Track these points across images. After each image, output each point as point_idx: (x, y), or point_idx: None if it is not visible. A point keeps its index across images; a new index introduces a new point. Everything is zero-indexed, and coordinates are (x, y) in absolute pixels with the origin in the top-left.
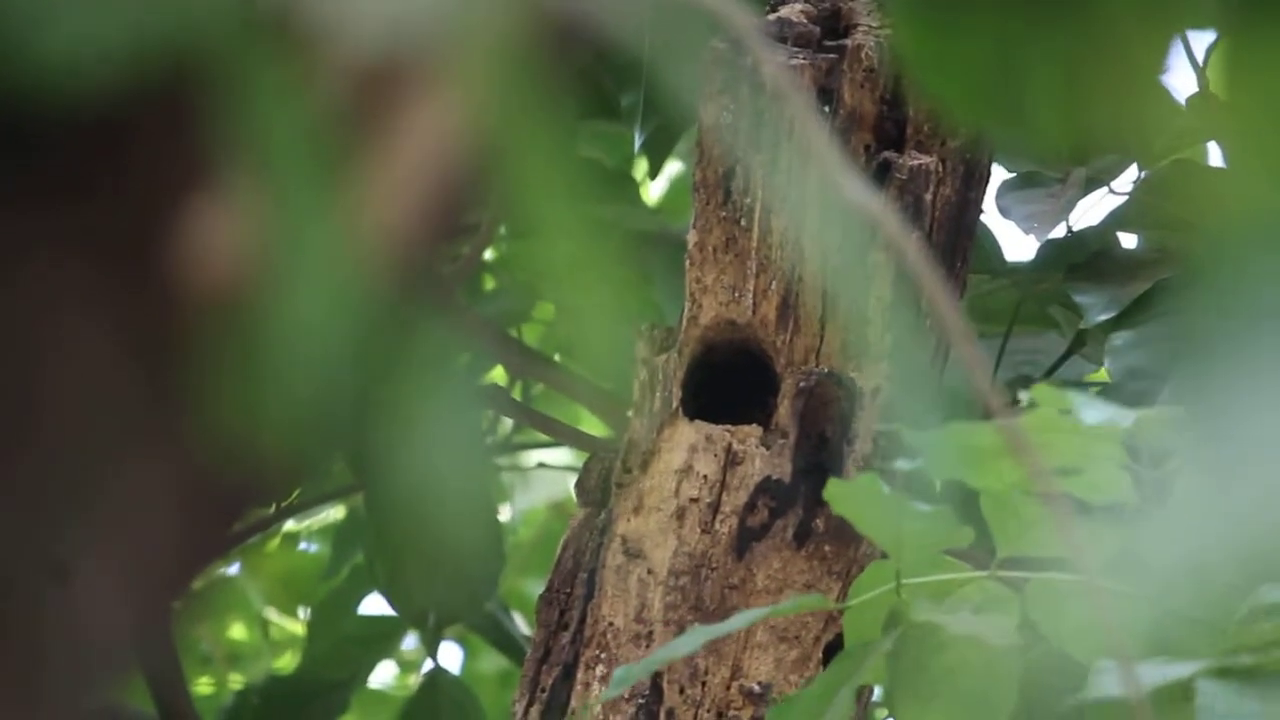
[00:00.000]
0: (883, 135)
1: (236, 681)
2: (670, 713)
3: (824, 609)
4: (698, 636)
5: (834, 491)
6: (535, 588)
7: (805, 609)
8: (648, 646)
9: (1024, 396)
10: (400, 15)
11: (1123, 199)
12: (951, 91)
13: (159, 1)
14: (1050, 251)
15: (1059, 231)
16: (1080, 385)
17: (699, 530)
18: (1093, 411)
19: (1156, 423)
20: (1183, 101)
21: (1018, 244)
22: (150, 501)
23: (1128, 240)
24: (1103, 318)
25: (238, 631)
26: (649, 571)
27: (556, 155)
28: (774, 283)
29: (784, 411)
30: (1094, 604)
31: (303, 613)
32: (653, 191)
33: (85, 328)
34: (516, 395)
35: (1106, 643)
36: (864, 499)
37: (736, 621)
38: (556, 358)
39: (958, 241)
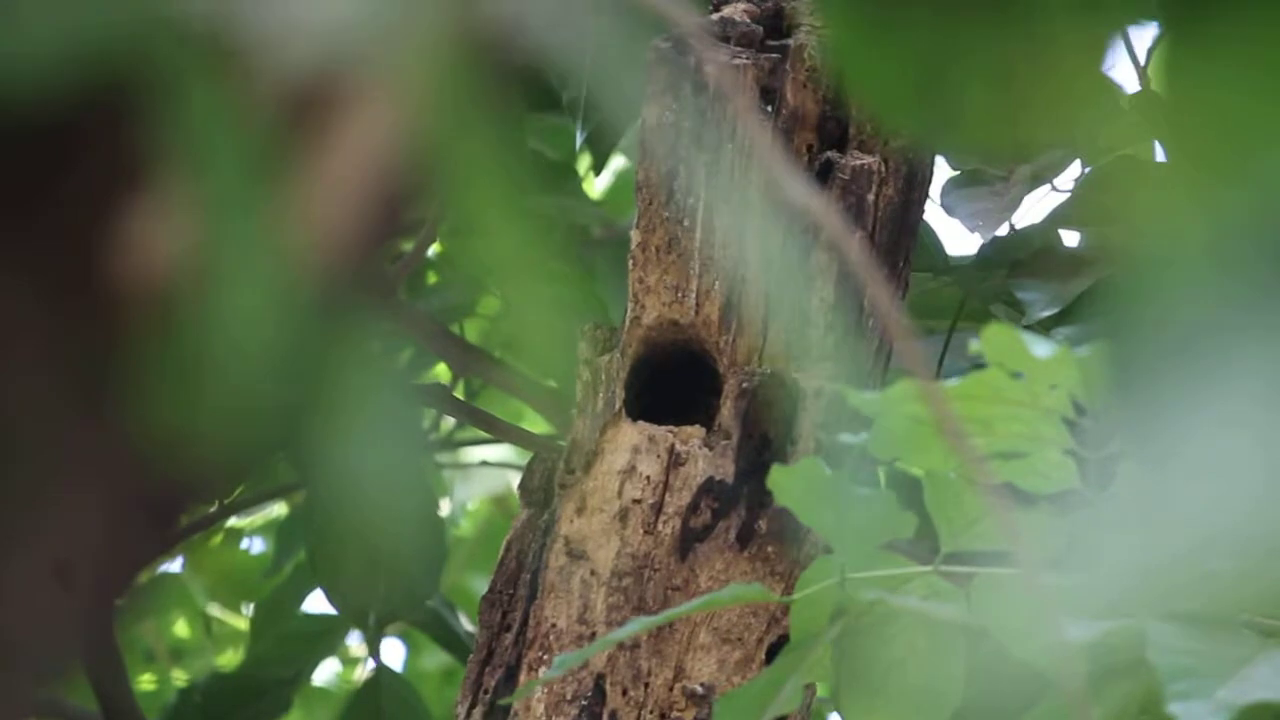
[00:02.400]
0: (825, 135)
1: (180, 679)
2: (613, 714)
3: (766, 601)
4: (638, 625)
5: (777, 478)
6: (478, 584)
7: (746, 600)
8: None
9: (974, 343)
10: (338, 14)
11: (1065, 196)
12: (885, 95)
13: (95, 10)
14: (993, 249)
15: (1002, 229)
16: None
17: (642, 531)
18: (1042, 347)
19: (1102, 359)
20: (1125, 99)
21: (960, 240)
22: (92, 498)
23: (1070, 237)
24: (1045, 314)
25: (181, 628)
26: (592, 572)
27: (498, 149)
28: (717, 283)
29: (727, 412)
30: (1038, 602)
31: (246, 609)
32: (597, 184)
33: (24, 327)
34: (459, 392)
35: (1051, 641)
36: (806, 484)
37: (678, 611)
38: (498, 354)
39: (900, 241)
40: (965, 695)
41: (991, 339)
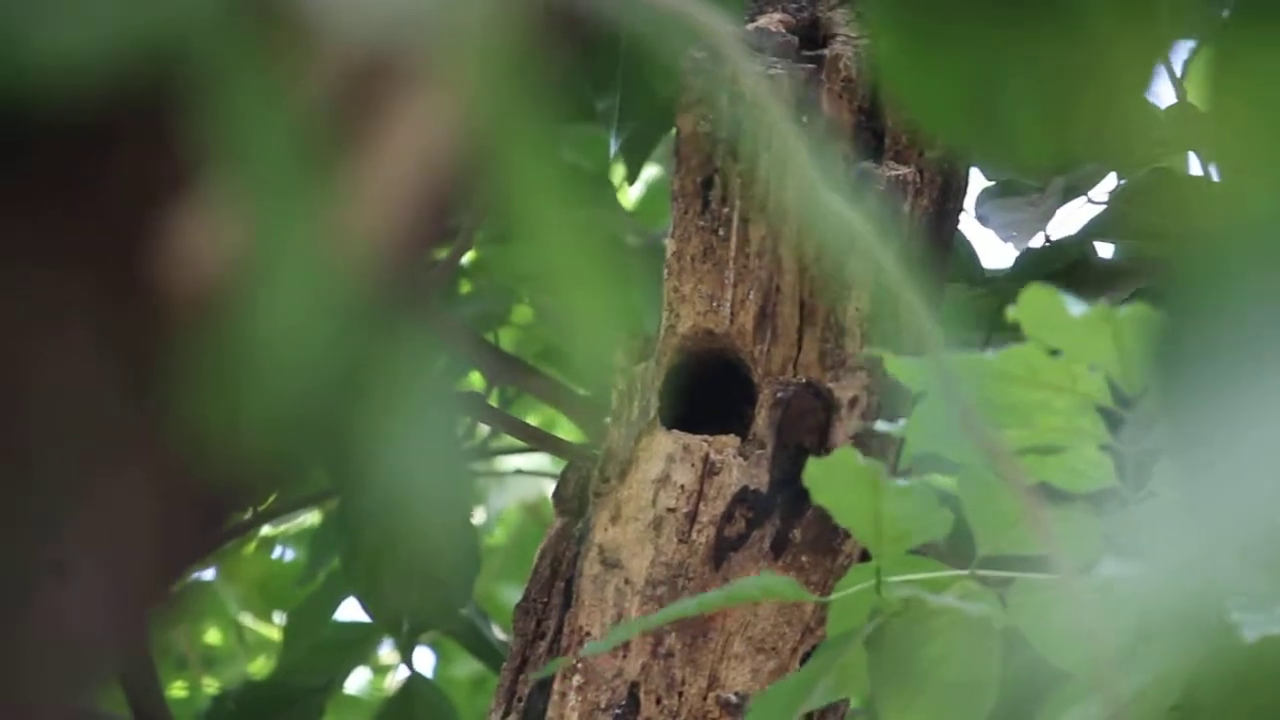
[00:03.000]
0: (861, 145)
1: (212, 686)
2: None
3: (799, 599)
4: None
5: (813, 472)
6: (510, 593)
7: (776, 595)
8: (624, 657)
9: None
10: (384, 17)
11: (1101, 208)
12: (929, 104)
13: (140, 2)
14: (1028, 260)
15: (1037, 240)
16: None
17: (676, 540)
18: (1079, 305)
19: (1141, 322)
20: (1162, 111)
21: (996, 252)
22: (130, 506)
23: (1105, 249)
24: None
25: (213, 636)
26: (626, 581)
27: (542, 158)
28: (752, 292)
29: (761, 422)
30: (1074, 608)
31: (278, 618)
32: (630, 195)
33: (65, 331)
34: (493, 401)
35: (1088, 650)
36: (842, 475)
37: (706, 599)
38: (533, 362)
39: (935, 251)
40: (1001, 694)
41: (1029, 302)
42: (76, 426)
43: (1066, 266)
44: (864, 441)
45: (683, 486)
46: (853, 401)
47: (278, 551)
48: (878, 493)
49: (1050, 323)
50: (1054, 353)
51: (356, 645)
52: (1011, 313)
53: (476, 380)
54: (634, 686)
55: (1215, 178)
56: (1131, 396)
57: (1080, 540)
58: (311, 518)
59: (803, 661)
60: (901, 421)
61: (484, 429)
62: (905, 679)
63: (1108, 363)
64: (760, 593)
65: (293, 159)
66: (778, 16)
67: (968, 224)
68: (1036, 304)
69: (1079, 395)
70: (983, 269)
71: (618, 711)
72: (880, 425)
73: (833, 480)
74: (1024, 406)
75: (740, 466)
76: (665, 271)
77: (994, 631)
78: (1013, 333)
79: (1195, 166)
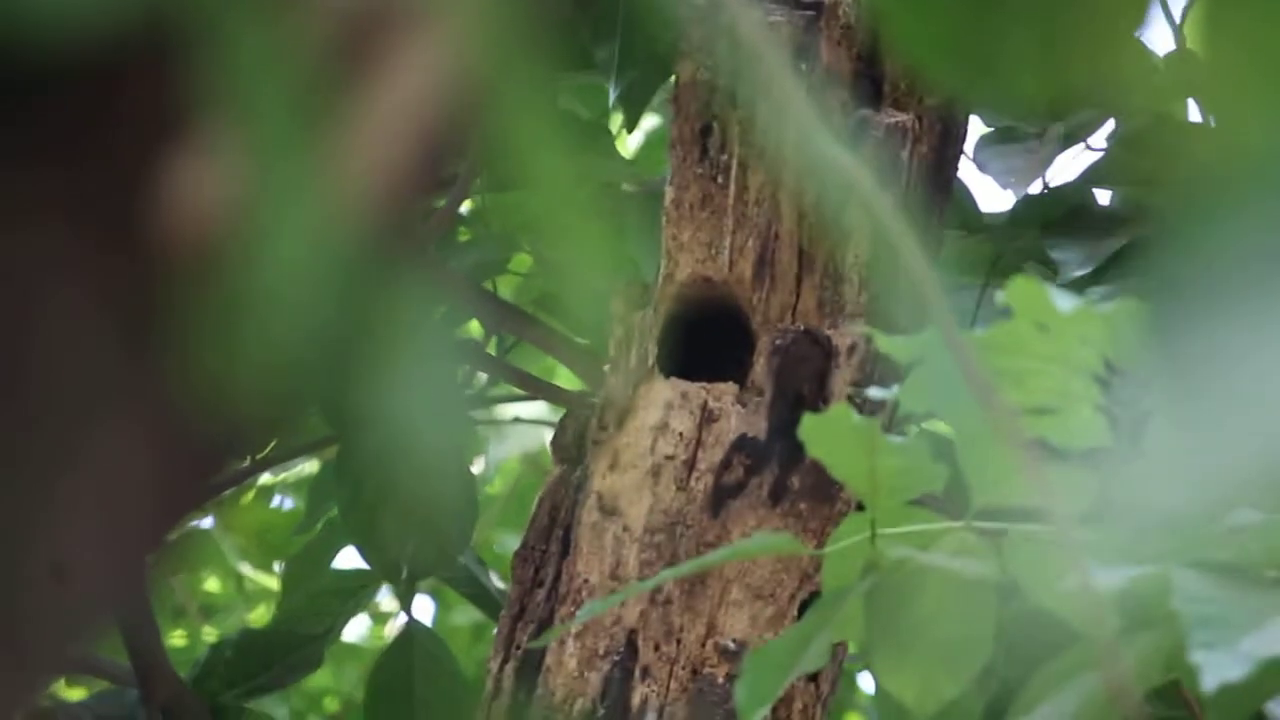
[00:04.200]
0: (860, 93)
1: (210, 635)
2: (645, 670)
3: (795, 553)
4: (670, 574)
5: (808, 427)
6: (509, 541)
7: (775, 551)
8: (623, 604)
9: (999, 296)
10: None
11: (1099, 154)
12: (927, 49)
13: None
14: (1026, 207)
15: (1036, 186)
16: None
17: (674, 488)
18: (1066, 301)
19: (1130, 315)
20: (1160, 58)
21: (995, 199)
22: (128, 454)
23: (1103, 196)
24: (1079, 273)
25: (212, 585)
26: (624, 529)
27: (538, 106)
28: (750, 240)
29: (760, 369)
30: (1068, 553)
31: (277, 566)
32: (629, 144)
33: (63, 279)
34: (491, 349)
35: (1080, 592)
36: (837, 432)
37: (707, 559)
38: (531, 310)
39: (934, 198)
40: (994, 649)
41: (1017, 292)
42: (76, 374)
43: (1065, 213)
44: (859, 396)
45: (681, 434)
46: (851, 348)
47: (276, 500)
48: (873, 450)
49: (1038, 315)
50: (1042, 327)
51: (355, 593)
52: (1000, 299)
53: (475, 328)
54: (632, 634)
55: (1213, 124)
56: (1124, 367)
57: (1076, 494)
58: (310, 466)
59: (800, 608)
60: (895, 387)
61: (482, 377)
62: (899, 634)
63: (1099, 343)
64: (760, 549)
65: (291, 104)
66: None
67: (966, 170)
68: (1024, 296)
69: (1071, 365)
70: (981, 215)
71: (616, 658)
72: (874, 391)
73: (828, 436)
74: (1015, 372)
75: (739, 414)
76: (664, 219)
77: (989, 587)
78: (1008, 279)
79: (1194, 113)
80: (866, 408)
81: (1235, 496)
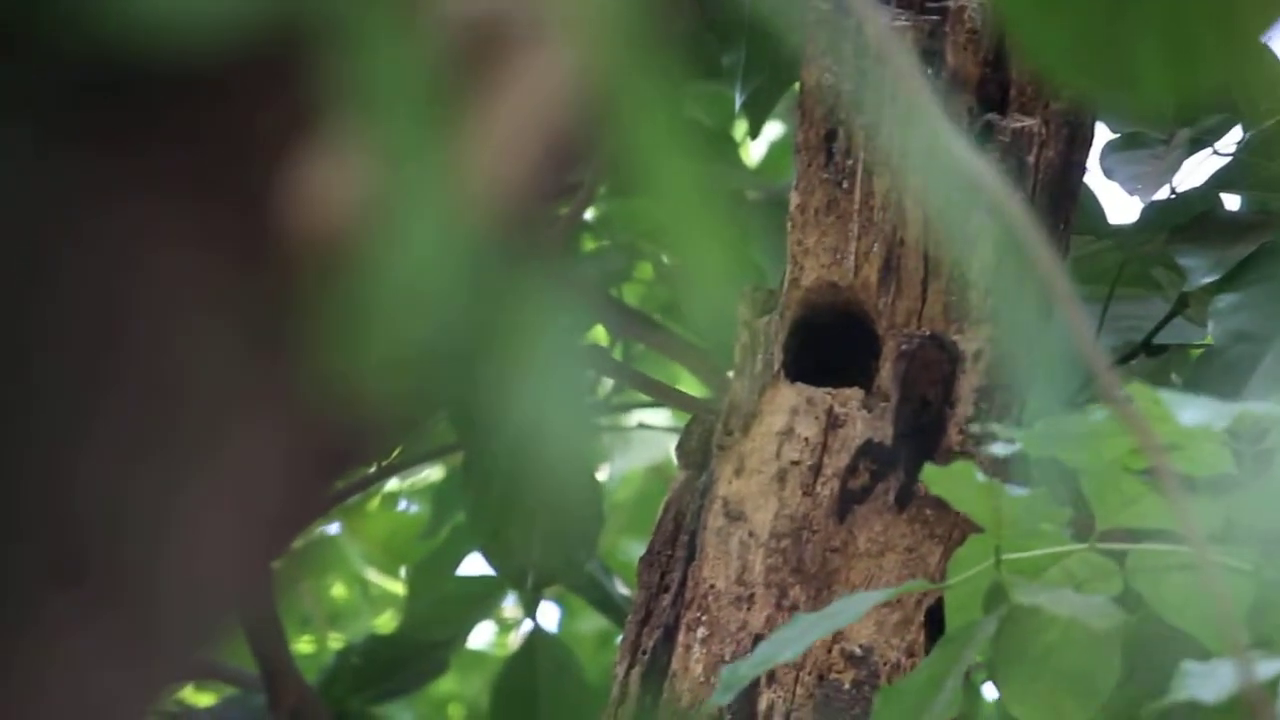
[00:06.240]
0: (986, 97)
1: (337, 641)
2: (771, 675)
3: (925, 590)
4: (802, 627)
5: (930, 474)
6: (633, 549)
7: (907, 592)
8: (749, 609)
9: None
10: None
11: (1227, 160)
12: (1055, 53)
13: None
14: (1154, 213)
15: (1162, 193)
16: (1181, 348)
17: (800, 493)
18: (1189, 412)
19: (1255, 420)
20: None
21: (1121, 205)
22: (258, 459)
23: (1231, 202)
24: (1206, 280)
25: (338, 591)
26: (750, 534)
27: (662, 113)
28: (876, 245)
29: (885, 374)
30: (1198, 574)
31: (402, 572)
32: (752, 153)
33: (193, 278)
34: (617, 356)
35: (1212, 613)
36: (959, 483)
37: (846, 611)
38: (657, 318)
39: (1060, 203)
40: (1121, 673)
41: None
42: (208, 378)
43: (1192, 219)
44: (979, 430)
45: (806, 439)
46: (977, 354)
47: (402, 506)
48: (997, 499)
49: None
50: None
51: (481, 600)
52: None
53: (600, 335)
54: (758, 639)
55: None
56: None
57: (1204, 517)
58: (435, 472)
59: (927, 614)
60: (1017, 444)
61: (608, 384)
62: (1026, 663)
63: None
64: (894, 593)
65: (419, 106)
66: None
67: (1093, 176)
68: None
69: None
70: (1108, 222)
71: None
72: (998, 448)
73: (949, 483)
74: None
75: (864, 419)
76: (789, 225)
77: (1116, 618)
78: (1138, 286)
79: None
80: (985, 439)
81: None
